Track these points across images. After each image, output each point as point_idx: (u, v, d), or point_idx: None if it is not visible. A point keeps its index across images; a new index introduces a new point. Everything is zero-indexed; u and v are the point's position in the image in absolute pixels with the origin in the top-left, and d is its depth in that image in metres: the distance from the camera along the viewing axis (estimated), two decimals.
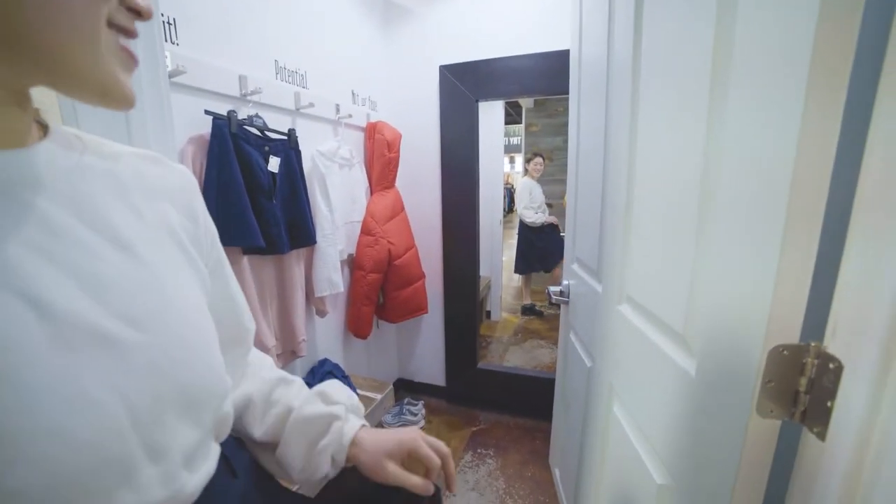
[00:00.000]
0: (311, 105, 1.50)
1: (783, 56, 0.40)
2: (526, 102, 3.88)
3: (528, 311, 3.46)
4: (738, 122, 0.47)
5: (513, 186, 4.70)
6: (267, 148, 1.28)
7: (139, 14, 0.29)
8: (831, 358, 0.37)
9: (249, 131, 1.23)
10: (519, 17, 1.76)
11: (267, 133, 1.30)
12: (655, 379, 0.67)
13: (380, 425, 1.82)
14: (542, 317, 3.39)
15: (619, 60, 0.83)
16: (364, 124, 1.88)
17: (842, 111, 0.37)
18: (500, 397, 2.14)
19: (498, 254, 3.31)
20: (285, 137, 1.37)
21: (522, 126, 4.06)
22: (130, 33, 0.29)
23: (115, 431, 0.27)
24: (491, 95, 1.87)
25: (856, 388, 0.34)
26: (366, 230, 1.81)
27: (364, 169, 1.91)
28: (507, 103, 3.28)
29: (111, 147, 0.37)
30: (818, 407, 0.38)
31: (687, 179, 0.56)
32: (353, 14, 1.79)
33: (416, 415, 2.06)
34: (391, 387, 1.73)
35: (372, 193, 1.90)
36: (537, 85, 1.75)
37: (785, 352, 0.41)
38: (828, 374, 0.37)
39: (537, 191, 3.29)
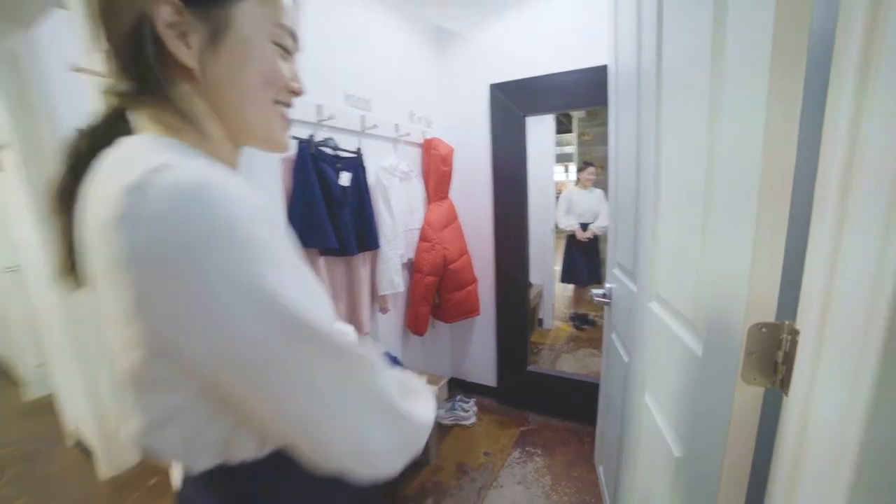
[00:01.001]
0: (375, 126, 1.72)
1: (750, 67, 0.48)
2: (577, 112, 3.88)
3: (577, 319, 3.42)
4: (726, 128, 0.55)
5: None
6: (339, 165, 1.51)
7: (295, 93, 0.47)
8: (799, 332, 0.44)
9: (325, 151, 1.47)
10: (561, 36, 1.87)
11: (339, 152, 1.53)
12: (674, 364, 0.74)
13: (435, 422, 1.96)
14: (595, 326, 3.33)
15: (645, 73, 0.91)
16: (421, 141, 2.07)
17: (798, 114, 0.45)
18: (549, 400, 2.19)
19: (549, 263, 3.33)
20: (354, 155, 1.59)
21: (574, 135, 4.06)
22: (288, 105, 0.48)
23: None
24: (538, 110, 1.98)
25: (804, 350, 0.42)
26: (423, 237, 1.99)
27: (421, 181, 2.10)
28: (558, 113, 3.32)
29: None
30: (791, 374, 0.45)
31: (694, 181, 0.64)
32: (410, 43, 2.01)
33: (467, 411, 2.18)
34: (445, 381, 1.87)
35: (429, 203, 2.08)
36: (580, 99, 1.83)
37: (763, 329, 0.48)
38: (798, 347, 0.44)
39: (581, 200, 3.23)
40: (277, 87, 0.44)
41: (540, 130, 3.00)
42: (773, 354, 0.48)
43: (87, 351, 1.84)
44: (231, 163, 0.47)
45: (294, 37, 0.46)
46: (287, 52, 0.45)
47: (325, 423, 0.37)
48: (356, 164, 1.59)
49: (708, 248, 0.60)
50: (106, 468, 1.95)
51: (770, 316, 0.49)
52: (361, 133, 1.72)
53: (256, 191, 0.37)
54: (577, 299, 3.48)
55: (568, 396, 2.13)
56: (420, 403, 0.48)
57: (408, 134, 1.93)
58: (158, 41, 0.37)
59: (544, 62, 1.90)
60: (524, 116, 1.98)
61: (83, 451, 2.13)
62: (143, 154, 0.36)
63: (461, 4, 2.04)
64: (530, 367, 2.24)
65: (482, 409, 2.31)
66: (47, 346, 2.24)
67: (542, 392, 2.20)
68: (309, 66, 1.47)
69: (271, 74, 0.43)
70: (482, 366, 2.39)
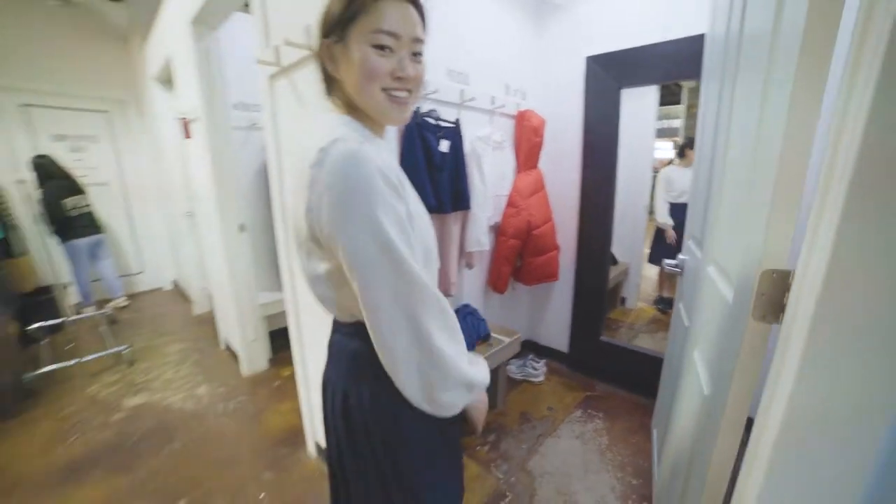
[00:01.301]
0: (473, 99, 1.89)
1: (789, 50, 0.55)
2: (688, 82, 3.57)
3: (662, 302, 3.29)
4: (767, 110, 0.62)
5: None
6: (440, 133, 1.72)
7: (400, 79, 0.63)
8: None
9: (428, 121, 1.69)
10: (660, 4, 1.80)
11: (440, 122, 1.74)
12: (715, 315, 0.82)
13: (504, 370, 2.16)
14: None
15: (730, 43, 0.93)
16: (514, 112, 2.19)
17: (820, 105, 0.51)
18: (618, 371, 2.24)
19: (639, 242, 3.23)
20: (453, 125, 1.79)
21: (683, 107, 3.75)
22: (399, 90, 0.63)
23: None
24: (634, 82, 1.95)
25: (795, 289, 0.50)
26: (511, 203, 2.14)
27: (513, 151, 2.23)
28: (662, 84, 3.12)
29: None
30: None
31: (747, 156, 0.71)
32: (509, 17, 2.09)
33: (537, 370, 2.34)
34: (518, 335, 2.05)
35: (518, 172, 2.22)
36: (678, 70, 1.77)
37: (774, 274, 0.56)
38: None
39: (680, 179, 3.02)
40: (380, 79, 0.61)
41: (640, 102, 2.87)
42: (781, 296, 0.55)
43: (237, 280, 2.38)
44: (380, 134, 0.70)
45: (394, 35, 0.60)
46: (386, 49, 0.60)
47: (379, 314, 0.58)
48: (455, 133, 1.79)
49: (750, 214, 0.67)
50: (246, 368, 2.54)
51: (782, 264, 0.56)
52: (460, 105, 1.90)
53: (387, 154, 0.63)
54: (664, 282, 3.34)
55: (638, 370, 2.16)
56: (464, 354, 0.63)
57: (503, 106, 2.06)
58: (324, 63, 0.65)
59: (643, 32, 1.86)
60: (619, 89, 1.98)
61: (231, 353, 2.79)
62: (331, 128, 0.63)
63: None
64: (603, 338, 2.30)
65: (551, 370, 2.45)
66: (210, 275, 2.92)
67: (612, 363, 2.26)
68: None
69: (370, 72, 0.60)
70: (556, 331, 2.51)
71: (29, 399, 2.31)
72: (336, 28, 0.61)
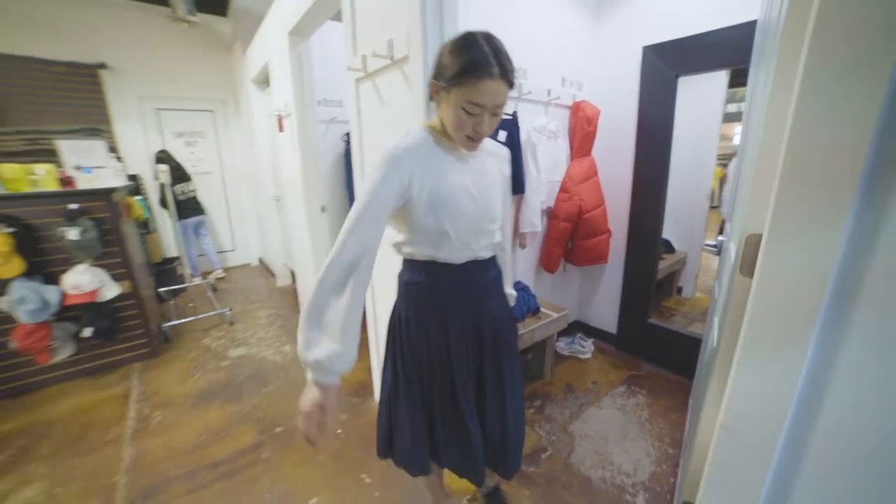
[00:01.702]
0: (530, 92, 2.05)
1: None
2: None
3: None
4: (770, 100, 0.73)
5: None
6: (499, 125, 1.91)
7: (471, 138, 0.88)
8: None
9: None
10: None
11: None
12: (726, 281, 0.93)
13: (552, 345, 2.32)
14: None
15: (771, 29, 1.01)
16: (570, 103, 2.31)
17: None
18: (665, 353, 2.30)
19: (699, 231, 3.16)
20: (510, 117, 1.97)
21: None
22: (471, 139, 0.88)
23: (475, 217, 0.93)
24: (690, 70, 1.98)
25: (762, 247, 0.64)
26: (563, 188, 2.28)
27: (567, 139, 2.35)
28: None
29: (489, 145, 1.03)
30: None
31: (756, 133, 0.82)
32: (567, 13, 2.19)
33: (584, 347, 2.47)
34: (566, 311, 2.19)
35: (572, 159, 2.34)
36: (733, 57, 1.78)
37: (754, 237, 0.69)
38: None
39: None
40: (463, 131, 0.86)
41: (707, 87, 2.79)
42: (755, 255, 0.67)
43: (318, 253, 2.76)
44: (454, 145, 0.94)
45: (481, 106, 0.81)
46: (470, 114, 0.83)
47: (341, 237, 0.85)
48: (511, 124, 1.97)
49: (746, 193, 0.79)
50: None
51: (760, 229, 0.68)
52: (518, 98, 2.07)
53: (438, 159, 0.92)
54: None
55: (684, 352, 2.19)
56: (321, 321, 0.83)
57: (558, 98, 2.19)
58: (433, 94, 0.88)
59: (700, 20, 1.88)
60: (676, 77, 2.02)
61: None
62: (411, 129, 0.92)
63: None
64: (651, 320, 2.37)
65: (599, 350, 2.56)
66: (294, 251, 3.37)
67: (659, 344, 2.33)
68: None
69: (457, 124, 0.85)
70: (605, 312, 2.61)
71: (166, 343, 2.91)
72: (443, 80, 0.83)
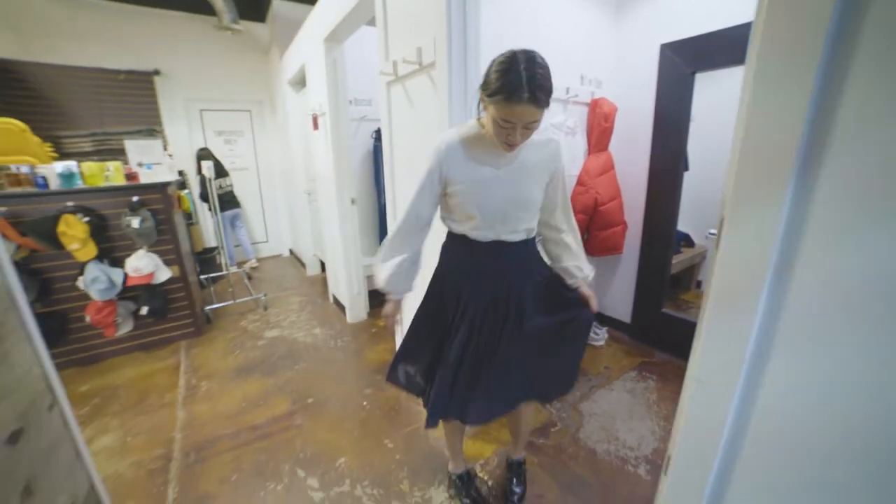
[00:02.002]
0: None
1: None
2: None
3: None
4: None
5: None
6: None
7: (508, 144, 1.01)
8: None
9: None
10: None
11: None
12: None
13: None
14: None
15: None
16: (588, 100, 2.40)
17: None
18: (677, 342, 2.36)
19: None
20: None
21: None
22: (508, 147, 1.02)
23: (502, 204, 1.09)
24: (706, 67, 2.04)
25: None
26: (580, 182, 2.38)
27: (585, 135, 2.45)
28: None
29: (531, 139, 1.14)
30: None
31: None
32: (586, 13, 2.28)
33: (598, 335, 2.56)
34: None
35: (589, 154, 2.43)
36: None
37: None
38: None
39: None
40: (500, 139, 0.99)
41: (733, 80, 2.81)
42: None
43: (348, 243, 2.96)
44: (494, 143, 1.05)
45: (511, 123, 0.94)
46: (503, 127, 0.96)
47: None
48: None
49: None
50: (349, 317, 3.14)
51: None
52: None
53: (482, 147, 1.06)
54: None
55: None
56: (391, 259, 1.20)
57: (576, 95, 2.29)
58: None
59: (716, 18, 1.94)
60: (693, 73, 2.08)
61: (338, 305, 3.44)
62: (462, 124, 1.09)
63: None
64: (665, 310, 2.43)
65: (612, 338, 2.65)
66: (324, 241, 3.60)
67: (672, 334, 2.39)
68: (501, 47, 1.99)
69: (495, 132, 0.99)
70: (620, 302, 2.69)
71: (208, 324, 3.19)
72: (486, 93, 0.96)
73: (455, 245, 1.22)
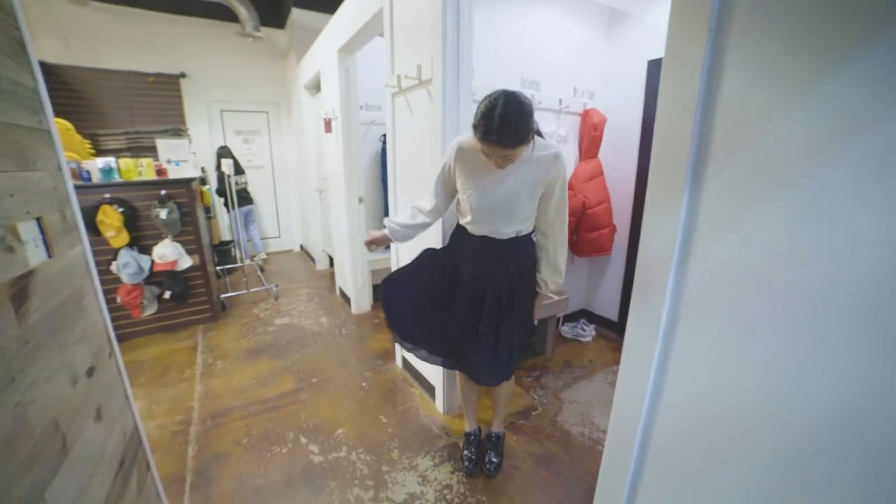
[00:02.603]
0: (541, 102, 2.34)
1: None
2: None
3: None
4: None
5: None
6: None
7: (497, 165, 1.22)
8: None
9: None
10: None
11: None
12: None
13: (554, 326, 2.59)
14: None
15: None
16: (580, 111, 2.57)
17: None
18: None
19: None
20: None
21: None
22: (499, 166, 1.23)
23: (492, 208, 1.32)
24: None
25: None
26: (569, 186, 2.55)
27: (576, 143, 2.62)
28: None
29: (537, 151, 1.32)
30: None
31: None
32: (580, 28, 2.46)
33: (585, 332, 2.72)
34: (566, 296, 2.46)
35: (580, 161, 2.60)
36: None
37: None
38: None
39: None
40: (491, 160, 1.21)
41: None
42: None
43: (355, 239, 3.17)
44: None
45: (487, 155, 1.18)
46: (486, 155, 1.18)
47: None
48: None
49: None
50: (354, 308, 3.35)
51: None
52: None
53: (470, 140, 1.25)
54: None
55: None
56: (406, 214, 1.52)
57: (567, 106, 2.47)
58: None
59: None
60: None
61: (344, 297, 3.65)
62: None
63: None
64: None
65: (600, 335, 2.80)
66: (333, 237, 3.82)
67: None
68: (496, 61, 2.18)
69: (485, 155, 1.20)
70: (608, 301, 2.85)
71: (224, 310, 3.43)
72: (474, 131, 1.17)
73: (458, 233, 1.51)
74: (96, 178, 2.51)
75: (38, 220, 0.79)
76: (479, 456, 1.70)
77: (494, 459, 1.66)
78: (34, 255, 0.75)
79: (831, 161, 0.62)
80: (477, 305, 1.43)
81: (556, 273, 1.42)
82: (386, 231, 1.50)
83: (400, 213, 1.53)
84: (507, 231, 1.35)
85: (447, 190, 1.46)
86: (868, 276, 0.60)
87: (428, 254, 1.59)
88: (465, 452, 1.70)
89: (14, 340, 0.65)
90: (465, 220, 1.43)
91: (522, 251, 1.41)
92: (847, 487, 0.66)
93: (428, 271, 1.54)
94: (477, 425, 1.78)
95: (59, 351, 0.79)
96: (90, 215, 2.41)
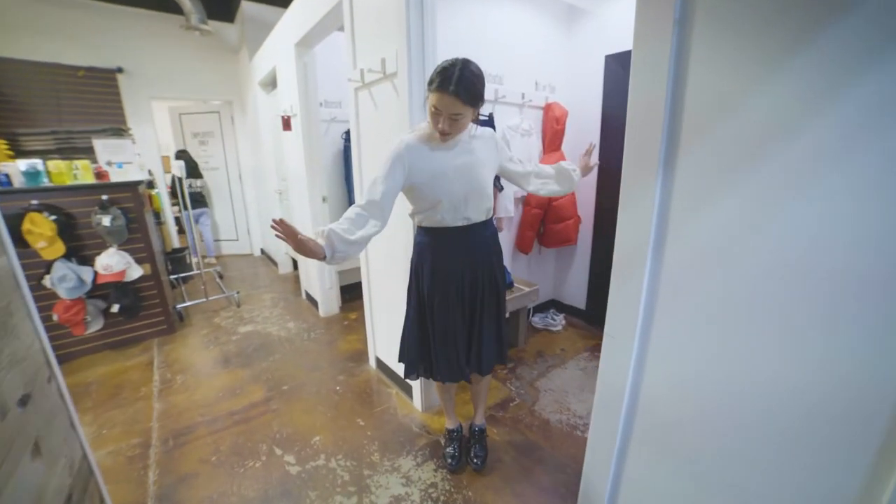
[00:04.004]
0: (504, 96, 2.35)
1: None
2: None
3: None
4: None
5: None
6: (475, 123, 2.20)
7: (441, 131, 1.20)
8: None
9: None
10: None
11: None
12: None
13: (526, 317, 2.63)
14: None
15: None
16: (542, 104, 2.61)
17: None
18: None
19: None
20: (486, 118, 2.27)
21: None
22: (441, 135, 1.22)
23: (462, 189, 1.27)
24: None
25: None
26: None
27: (540, 136, 2.66)
28: None
29: (476, 131, 1.34)
30: None
31: None
32: (540, 23, 2.50)
33: (556, 321, 2.78)
34: (536, 287, 2.50)
35: (544, 154, 2.65)
36: None
37: None
38: None
39: None
40: (434, 127, 1.19)
41: None
42: None
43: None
44: (439, 140, 1.24)
45: (438, 110, 1.16)
46: (434, 115, 1.17)
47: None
48: (488, 124, 2.27)
49: None
50: (322, 311, 3.24)
51: None
52: (495, 101, 2.37)
53: (427, 148, 1.23)
54: None
55: None
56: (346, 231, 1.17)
57: (530, 101, 2.50)
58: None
59: None
60: None
61: (310, 300, 3.53)
62: (416, 127, 1.28)
63: None
64: None
65: (570, 324, 2.88)
66: None
67: None
68: (458, 54, 2.16)
69: (432, 121, 1.20)
70: (576, 291, 2.93)
71: (181, 321, 3.21)
72: (428, 87, 1.17)
73: (429, 237, 1.38)
74: (18, 182, 2.25)
75: None
76: (461, 452, 1.69)
77: (480, 453, 1.66)
78: None
79: (793, 143, 0.66)
80: (477, 298, 1.42)
81: (568, 164, 1.58)
82: (322, 243, 1.10)
83: (345, 223, 1.17)
84: (482, 209, 1.37)
85: (393, 193, 1.24)
86: (830, 253, 0.64)
87: (415, 290, 1.45)
88: (449, 450, 1.68)
89: None
90: (436, 217, 1.33)
91: (493, 229, 1.46)
92: (814, 456, 0.71)
93: (420, 311, 1.46)
94: (458, 421, 1.77)
95: None
96: (14, 224, 2.16)
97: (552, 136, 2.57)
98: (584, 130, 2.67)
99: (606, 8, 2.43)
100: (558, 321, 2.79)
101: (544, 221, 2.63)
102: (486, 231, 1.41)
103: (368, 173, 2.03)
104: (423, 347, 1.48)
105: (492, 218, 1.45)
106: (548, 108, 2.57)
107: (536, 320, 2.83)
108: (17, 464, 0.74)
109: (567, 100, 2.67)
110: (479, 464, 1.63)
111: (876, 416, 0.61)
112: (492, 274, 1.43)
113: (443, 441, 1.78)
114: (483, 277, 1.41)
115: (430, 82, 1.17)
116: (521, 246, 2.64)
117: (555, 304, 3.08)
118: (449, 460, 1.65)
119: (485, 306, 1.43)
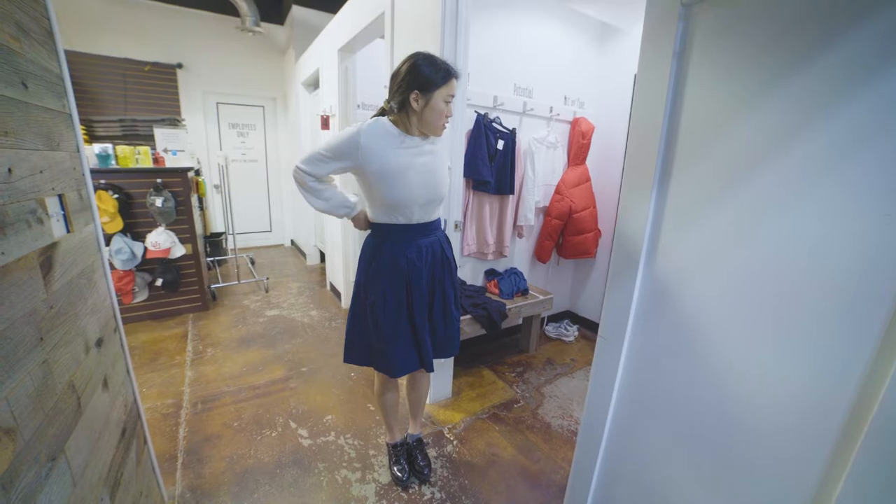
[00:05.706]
0: (533, 109, 2.44)
1: None
2: None
3: None
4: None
5: None
6: (498, 135, 2.31)
7: (448, 117, 1.27)
8: None
9: (493, 125, 2.29)
10: None
11: (500, 127, 2.32)
12: None
13: (538, 324, 2.69)
14: None
15: None
16: (570, 119, 2.68)
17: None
18: None
19: None
20: (508, 131, 2.36)
21: None
22: (444, 127, 1.29)
23: (421, 189, 1.31)
24: None
25: None
26: (557, 191, 2.65)
27: (566, 150, 2.73)
28: None
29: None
30: None
31: None
32: (571, 41, 2.57)
33: (569, 332, 2.82)
34: (551, 295, 2.56)
35: (568, 167, 2.71)
36: None
37: None
38: None
39: None
40: (443, 120, 1.25)
41: None
42: None
43: (347, 234, 3.23)
44: (410, 133, 1.27)
45: (452, 96, 1.21)
46: (447, 103, 1.22)
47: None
48: (509, 137, 2.36)
49: None
50: (344, 303, 3.40)
51: None
52: (523, 114, 2.47)
53: (390, 137, 1.25)
54: None
55: None
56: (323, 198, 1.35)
57: (558, 114, 2.57)
58: (407, 101, 1.22)
59: None
60: None
61: (334, 291, 3.70)
62: (375, 119, 1.28)
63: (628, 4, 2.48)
64: None
65: (583, 336, 2.91)
66: (326, 233, 3.87)
67: None
68: (490, 68, 2.28)
69: (441, 114, 1.23)
70: (592, 303, 2.96)
71: (214, 300, 3.46)
72: (427, 87, 1.19)
73: (384, 234, 1.35)
74: (92, 163, 2.53)
75: (60, 196, 0.85)
76: (410, 466, 1.64)
77: (423, 462, 1.64)
78: (57, 228, 0.81)
79: (774, 167, 0.73)
80: (429, 295, 1.41)
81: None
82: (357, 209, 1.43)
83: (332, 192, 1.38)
84: (436, 209, 1.39)
85: (335, 168, 1.29)
86: (802, 267, 0.70)
87: (365, 285, 1.40)
88: (396, 468, 1.61)
89: (42, 304, 0.71)
90: (393, 217, 1.32)
91: (440, 225, 1.47)
92: (794, 463, 0.76)
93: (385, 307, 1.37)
94: (402, 435, 1.73)
95: (75, 319, 0.85)
96: None
97: (577, 151, 2.63)
98: (609, 146, 2.71)
99: (639, 27, 2.47)
100: (571, 332, 2.83)
101: (564, 233, 2.69)
102: (437, 228, 1.43)
103: None
104: (370, 341, 1.43)
105: (440, 218, 1.46)
106: (575, 123, 2.64)
107: (550, 329, 2.88)
108: (95, 390, 0.89)
109: (594, 115, 2.73)
110: (428, 473, 1.61)
111: (829, 432, 0.67)
112: (446, 264, 1.42)
113: (388, 460, 1.69)
114: (438, 271, 1.40)
115: (437, 79, 1.17)
116: (540, 255, 2.71)
117: (569, 316, 3.11)
118: (400, 475, 1.58)
119: (436, 303, 1.41)
